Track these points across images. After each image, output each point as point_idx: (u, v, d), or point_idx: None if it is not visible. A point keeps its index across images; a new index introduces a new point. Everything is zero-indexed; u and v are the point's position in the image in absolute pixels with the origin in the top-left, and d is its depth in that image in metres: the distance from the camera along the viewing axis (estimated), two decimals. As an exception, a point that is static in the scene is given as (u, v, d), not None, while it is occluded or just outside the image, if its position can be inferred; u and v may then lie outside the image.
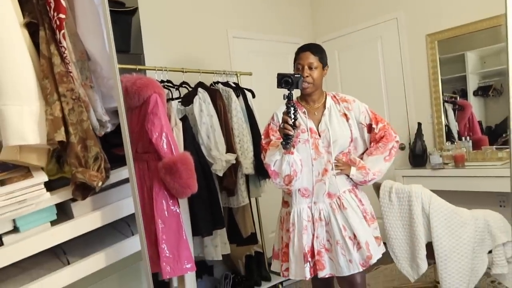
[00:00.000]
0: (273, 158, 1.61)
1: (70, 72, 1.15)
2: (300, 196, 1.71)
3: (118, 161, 1.35)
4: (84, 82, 1.20)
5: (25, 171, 1.16)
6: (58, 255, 1.26)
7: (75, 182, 1.13)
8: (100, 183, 1.16)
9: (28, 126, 1.08)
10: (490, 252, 2.11)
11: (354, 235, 1.65)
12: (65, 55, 1.14)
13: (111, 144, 1.46)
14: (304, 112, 1.75)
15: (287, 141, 1.50)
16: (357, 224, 1.67)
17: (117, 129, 1.30)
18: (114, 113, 1.36)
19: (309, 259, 1.66)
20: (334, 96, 1.82)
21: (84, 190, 1.17)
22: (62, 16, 1.10)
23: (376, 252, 1.69)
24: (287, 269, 1.75)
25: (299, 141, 1.69)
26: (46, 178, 1.11)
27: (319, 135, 1.72)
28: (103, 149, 1.34)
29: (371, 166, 1.74)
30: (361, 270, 1.66)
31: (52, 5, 1.11)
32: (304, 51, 1.73)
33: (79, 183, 1.14)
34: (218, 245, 2.47)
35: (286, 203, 1.81)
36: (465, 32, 2.96)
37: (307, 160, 1.69)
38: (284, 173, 1.60)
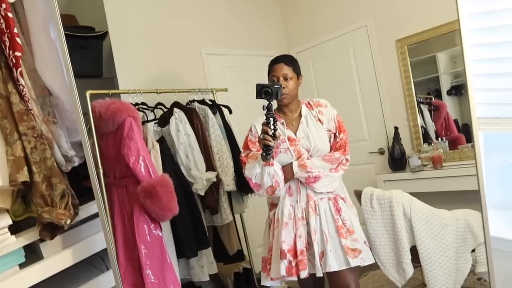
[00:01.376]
0: (253, 172, 1.61)
1: (31, 109, 1.13)
2: (286, 194, 1.71)
3: (89, 193, 1.32)
4: (47, 118, 1.18)
5: (-11, 214, 1.12)
6: (30, 297, 1.21)
7: (42, 222, 1.10)
8: (68, 221, 1.13)
9: (-12, 169, 1.05)
10: (473, 251, 2.14)
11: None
12: (24, 93, 1.11)
13: (81, 176, 1.43)
14: (282, 123, 1.76)
15: (267, 152, 1.50)
16: (319, 233, 1.65)
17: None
18: (82, 145, 1.33)
19: (290, 258, 1.64)
20: (308, 103, 1.82)
21: (52, 230, 1.13)
22: (18, 54, 1.08)
23: (327, 265, 1.62)
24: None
25: (280, 151, 1.69)
26: (10, 222, 1.08)
27: (299, 142, 1.72)
28: (73, 182, 1.31)
29: (316, 167, 1.67)
30: (321, 275, 1.62)
31: (7, 43, 1.08)
32: (277, 63, 1.75)
33: (47, 223, 1.11)
34: (205, 265, 2.43)
35: (272, 205, 1.80)
36: (433, 36, 3.02)
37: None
38: (266, 185, 1.61)
